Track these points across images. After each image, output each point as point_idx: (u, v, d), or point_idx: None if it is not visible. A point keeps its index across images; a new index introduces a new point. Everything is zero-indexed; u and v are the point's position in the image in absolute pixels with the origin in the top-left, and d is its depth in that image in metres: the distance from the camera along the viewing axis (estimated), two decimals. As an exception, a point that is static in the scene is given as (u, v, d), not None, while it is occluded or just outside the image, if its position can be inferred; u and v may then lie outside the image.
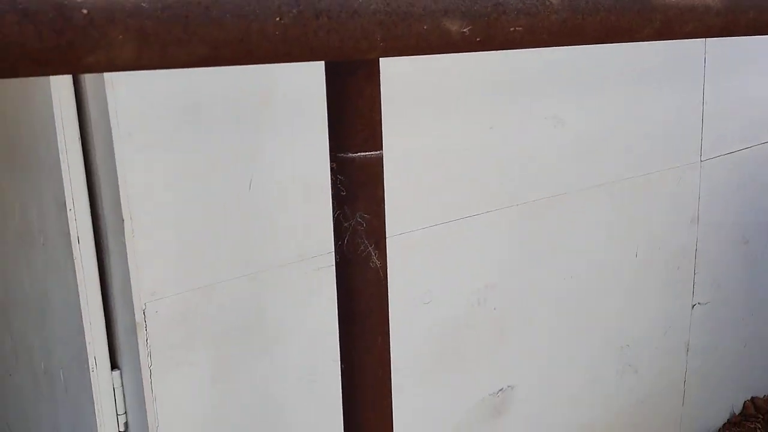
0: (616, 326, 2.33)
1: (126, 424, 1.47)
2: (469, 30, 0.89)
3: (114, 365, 1.45)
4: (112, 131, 1.26)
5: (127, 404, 1.46)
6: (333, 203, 1.03)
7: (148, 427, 1.38)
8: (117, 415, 1.46)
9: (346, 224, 1.04)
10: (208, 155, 1.39)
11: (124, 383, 1.45)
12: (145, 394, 1.37)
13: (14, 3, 0.62)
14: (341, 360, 1.11)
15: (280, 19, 0.75)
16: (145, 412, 1.38)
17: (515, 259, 2.01)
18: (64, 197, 1.34)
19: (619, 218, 2.22)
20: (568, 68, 1.97)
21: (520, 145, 1.93)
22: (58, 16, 0.62)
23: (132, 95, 1.27)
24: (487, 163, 1.88)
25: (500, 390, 2.07)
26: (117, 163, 1.27)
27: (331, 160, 1.01)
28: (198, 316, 1.41)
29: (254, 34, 0.73)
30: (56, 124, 1.31)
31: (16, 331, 1.96)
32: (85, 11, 0.64)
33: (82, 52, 0.65)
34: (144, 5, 0.68)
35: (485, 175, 1.89)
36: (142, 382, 1.37)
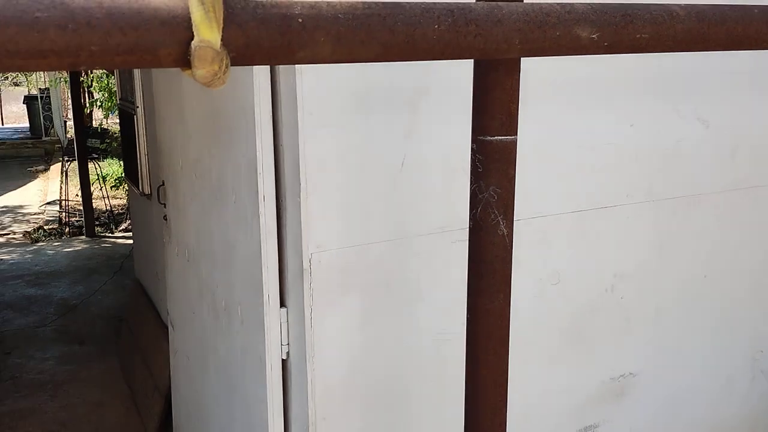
0: (749, 332, 2.33)
1: (288, 353, 1.77)
2: (597, 36, 1.06)
3: (282, 304, 1.76)
4: (298, 111, 1.55)
5: (290, 336, 1.76)
6: (471, 177, 1.24)
7: (305, 357, 1.67)
8: (281, 345, 1.77)
9: (480, 196, 1.24)
10: (371, 134, 1.64)
11: (289, 319, 1.76)
12: (306, 329, 1.66)
13: (255, 13, 0.89)
14: (468, 311, 1.31)
15: (438, 26, 0.96)
16: (304, 343, 1.67)
17: (648, 253, 2.10)
18: (256, 163, 1.66)
19: (759, 222, 2.22)
20: (715, 70, 2.02)
21: (660, 143, 2.02)
22: (283, 23, 0.88)
23: (315, 82, 1.55)
24: (626, 159, 1.99)
25: (622, 375, 2.17)
26: (299, 137, 1.56)
27: (473, 141, 1.22)
28: (352, 270, 1.68)
29: (418, 37, 0.95)
30: (255, 104, 1.63)
31: (203, 275, 2.35)
32: (300, 20, 0.89)
33: (296, 48, 0.90)
34: (340, 16, 0.92)
35: (624, 170, 2.00)
36: (303, 319, 1.66)
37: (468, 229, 1.30)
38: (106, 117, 11.30)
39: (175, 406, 2.99)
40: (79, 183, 8.65)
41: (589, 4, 1.08)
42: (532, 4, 1.01)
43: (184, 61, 0.79)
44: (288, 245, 1.71)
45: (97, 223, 7.48)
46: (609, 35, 1.09)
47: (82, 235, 7.31)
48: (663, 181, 2.05)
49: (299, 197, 1.60)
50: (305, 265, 1.63)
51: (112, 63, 0.79)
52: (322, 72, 1.55)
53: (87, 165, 7.28)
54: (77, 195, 8.60)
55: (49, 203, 9.67)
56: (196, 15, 0.78)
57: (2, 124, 19.91)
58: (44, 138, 16.06)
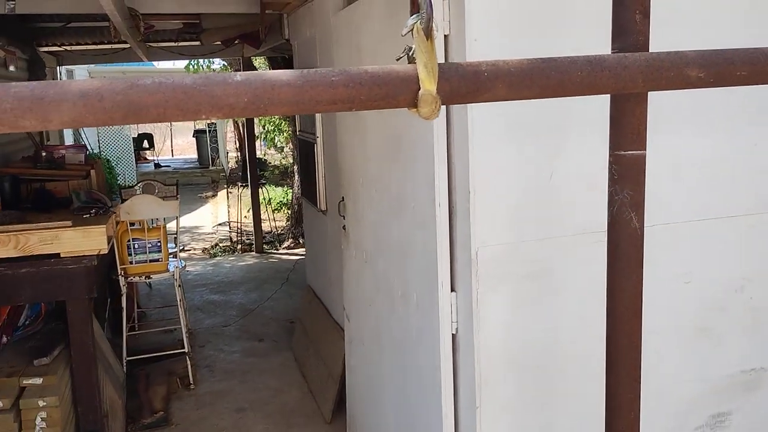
0: None
1: (456, 329, 2.21)
2: (704, 74, 1.42)
3: (452, 289, 2.20)
4: (468, 135, 2.00)
5: (459, 315, 2.20)
6: (609, 183, 1.62)
7: (473, 331, 2.10)
8: (452, 322, 2.21)
9: (616, 197, 1.62)
10: (525, 153, 2.06)
11: (458, 301, 2.20)
12: (473, 309, 2.08)
13: (456, 71, 1.34)
14: (607, 290, 1.68)
15: (580, 72, 1.37)
16: (471, 320, 2.10)
17: (776, 258, 2.33)
18: (434, 177, 2.13)
19: None
20: (840, 93, 2.24)
21: (786, 158, 2.26)
22: (474, 76, 1.33)
23: (481, 112, 1.99)
24: (751, 175, 2.25)
25: (753, 369, 2.39)
26: (470, 156, 2.00)
27: (610, 155, 1.60)
28: (506, 262, 2.09)
29: (566, 81, 1.37)
30: (434, 131, 2.10)
31: (380, 271, 2.85)
32: (486, 73, 1.34)
33: (483, 92, 1.35)
34: (512, 69, 1.36)
35: (748, 184, 2.26)
36: (470, 301, 2.09)
37: (606, 225, 1.68)
38: (269, 147, 12.42)
39: (350, 388, 3.52)
40: (241, 207, 9.74)
41: (698, 51, 1.45)
42: (652, 53, 1.40)
43: (413, 103, 1.27)
44: (458, 242, 2.15)
45: (263, 241, 8.37)
46: (713, 74, 1.45)
47: (252, 251, 8.23)
48: (790, 192, 2.29)
49: (468, 202, 2.04)
50: (472, 257, 2.06)
51: (370, 106, 1.29)
52: (487, 104, 1.99)
53: (258, 191, 8.20)
54: (246, 216, 9.63)
55: (219, 224, 10.86)
56: (422, 74, 1.25)
57: (172, 156, 22.27)
58: (210, 167, 17.83)
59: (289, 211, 9.11)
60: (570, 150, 2.10)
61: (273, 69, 8.39)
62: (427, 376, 2.39)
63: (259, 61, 8.78)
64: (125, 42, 6.94)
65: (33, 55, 5.67)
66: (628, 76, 1.41)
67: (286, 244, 8.40)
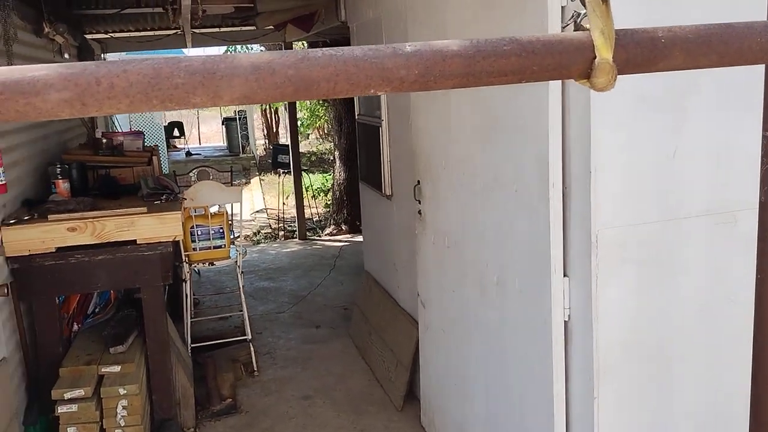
0: None
1: (569, 316, 2.13)
2: None
3: (564, 274, 2.11)
4: (591, 111, 1.90)
5: (571, 302, 2.11)
6: (762, 160, 1.52)
7: (591, 317, 2.01)
8: (564, 308, 2.12)
9: (773, 176, 1.52)
10: (648, 130, 1.96)
11: (570, 287, 2.11)
12: (592, 294, 2.00)
13: (632, 37, 1.25)
14: (756, 271, 1.58)
15: (759, 39, 1.27)
16: (590, 307, 2.01)
17: None
18: (548, 157, 2.04)
19: None
20: None
21: None
22: (651, 44, 1.23)
23: (605, 88, 1.89)
24: None
25: None
26: (591, 132, 1.91)
27: (764, 130, 1.50)
28: (629, 245, 2.00)
29: (745, 48, 1.27)
30: (549, 109, 2.01)
31: (468, 257, 2.77)
32: (663, 40, 1.24)
33: (658, 60, 1.25)
34: (689, 36, 1.26)
35: None
36: (589, 286, 2.00)
37: (758, 205, 1.57)
38: (307, 136, 12.38)
39: (425, 376, 3.45)
40: (280, 194, 9.70)
41: None
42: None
43: (585, 74, 1.17)
44: (572, 224, 2.06)
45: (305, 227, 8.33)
46: None
47: (295, 238, 8.19)
48: None
49: (588, 183, 1.95)
50: (592, 239, 1.97)
51: (541, 77, 1.20)
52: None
53: (301, 178, 8.15)
54: (285, 203, 9.61)
55: (257, 211, 10.86)
56: (598, 41, 1.16)
57: (200, 144, 22.32)
58: (241, 155, 17.85)
59: (330, 197, 9.05)
60: (694, 127, 1.99)
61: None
62: (531, 365, 2.31)
63: (297, 46, 8.69)
64: (167, 29, 6.91)
65: (83, 42, 5.64)
66: (814, 41, 1.30)
67: (328, 230, 8.35)
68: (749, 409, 1.66)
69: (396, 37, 3.60)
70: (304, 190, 9.61)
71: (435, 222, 3.12)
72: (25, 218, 3.13)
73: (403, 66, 1.06)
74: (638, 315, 2.05)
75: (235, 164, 17.30)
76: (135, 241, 3.20)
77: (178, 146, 19.46)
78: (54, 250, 3.11)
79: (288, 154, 14.08)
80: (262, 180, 14.66)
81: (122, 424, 3.04)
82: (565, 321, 2.15)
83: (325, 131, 17.03)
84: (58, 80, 0.86)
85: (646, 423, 2.12)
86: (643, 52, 1.26)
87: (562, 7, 1.98)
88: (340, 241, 7.85)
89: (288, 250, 7.63)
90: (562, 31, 1.95)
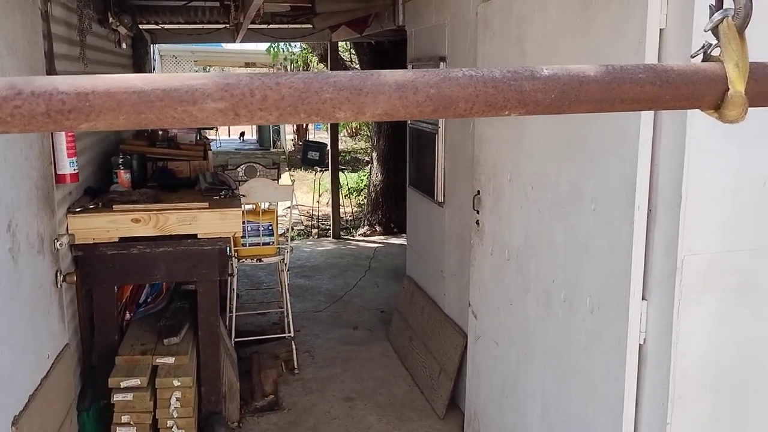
0: None
1: (644, 339, 2.11)
2: None
3: (643, 297, 2.10)
4: (686, 137, 1.88)
5: (648, 325, 2.10)
6: None
7: (670, 342, 1.99)
8: (640, 332, 2.11)
9: None
10: (741, 158, 1.94)
11: (648, 311, 2.10)
12: (673, 319, 1.98)
13: (765, 71, 1.24)
14: None
15: None
16: (669, 332, 2.00)
17: None
18: (636, 179, 2.02)
19: None
20: None
21: None
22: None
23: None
24: None
25: None
26: (685, 158, 1.89)
27: None
28: (714, 272, 1.98)
29: None
30: (640, 130, 1.99)
31: (531, 271, 2.76)
32: None
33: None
34: None
35: None
36: (669, 311, 1.99)
37: None
38: (341, 134, 12.43)
39: (471, 386, 3.45)
40: (315, 191, 9.75)
41: None
42: None
43: (716, 105, 1.16)
44: (656, 248, 2.05)
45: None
46: None
47: (328, 236, 8.22)
48: None
49: (679, 208, 1.94)
50: (678, 264, 1.96)
51: (672, 106, 1.19)
52: (708, 106, 1.87)
53: (338, 176, 8.18)
54: (318, 201, 9.64)
55: (288, 207, 10.90)
56: (732, 74, 1.14)
57: (229, 136, 22.47)
58: (272, 149, 17.94)
59: (365, 198, 9.07)
60: (788, 157, 1.97)
61: (359, 55, 8.33)
62: (598, 386, 2.30)
63: (342, 46, 8.72)
64: (216, 22, 6.96)
65: (137, 33, 5.71)
66: None
67: (362, 230, 8.37)
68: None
69: (461, 46, 3.60)
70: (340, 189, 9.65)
71: (495, 233, 3.11)
72: (90, 207, 3.17)
73: (540, 89, 1.05)
74: (718, 344, 2.03)
75: (265, 158, 17.44)
76: (195, 235, 3.24)
77: (209, 137, 19.62)
78: (117, 240, 3.15)
79: (317, 151, 14.15)
80: (292, 176, 14.73)
81: (174, 415, 3.08)
82: (640, 344, 2.13)
83: (355, 130, 17.06)
84: (215, 90, 0.87)
85: (719, 453, 2.10)
86: (777, 86, 1.24)
87: (661, 30, 1.96)
88: (374, 242, 7.86)
89: (322, 248, 7.66)
90: (675, 59, 1.93)
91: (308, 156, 14.36)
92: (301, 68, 15.85)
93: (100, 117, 0.83)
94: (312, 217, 9.34)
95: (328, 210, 9.04)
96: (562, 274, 2.52)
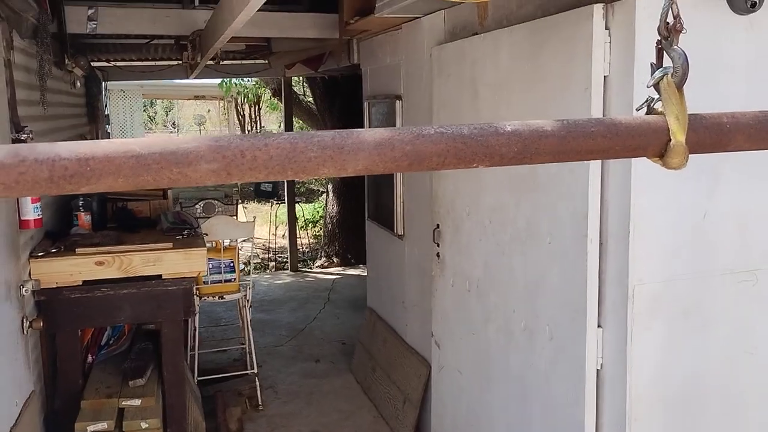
0: None
1: (601, 365, 2.24)
2: None
3: (598, 324, 2.23)
4: (632, 174, 2.04)
5: (604, 351, 2.23)
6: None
7: (625, 367, 2.13)
8: (597, 358, 2.24)
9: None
10: (681, 194, 2.10)
11: (603, 338, 2.23)
12: (627, 345, 2.12)
13: (701, 122, 1.39)
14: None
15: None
16: (624, 357, 2.13)
17: None
18: (587, 213, 2.17)
19: None
20: None
21: None
22: (718, 128, 1.38)
23: (645, 154, 2.04)
24: None
25: None
26: (631, 193, 2.05)
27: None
28: (661, 299, 2.13)
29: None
30: (589, 171, 2.14)
31: (491, 302, 2.88)
32: (728, 126, 1.38)
33: (725, 144, 1.39)
34: (750, 122, 1.41)
35: None
36: (623, 337, 2.13)
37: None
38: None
39: (436, 415, 3.53)
40: (270, 224, 9.77)
41: None
42: None
43: (660, 154, 1.30)
44: (608, 278, 2.19)
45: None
46: None
47: (285, 269, 8.23)
48: None
49: (628, 240, 2.08)
50: (629, 293, 2.10)
51: (621, 156, 1.33)
52: (650, 146, 2.04)
53: (294, 209, 8.23)
54: (274, 234, 9.66)
55: (243, 240, 10.86)
56: (674, 126, 1.29)
57: (179, 168, 22.24)
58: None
59: (322, 229, 9.13)
60: (723, 192, 2.15)
61: (312, 89, 8.45)
62: (558, 411, 2.42)
63: (295, 80, 8.84)
64: (168, 59, 6.99)
65: (90, 72, 5.70)
66: None
67: (319, 262, 8.41)
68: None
69: (416, 85, 3.74)
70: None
71: (455, 265, 3.23)
72: (53, 251, 3.16)
73: (504, 144, 1.18)
74: (668, 366, 2.18)
75: (217, 191, 17.33)
76: (160, 275, 3.25)
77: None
78: (81, 283, 3.14)
79: (270, 183, 14.14)
80: (245, 208, 14.66)
81: (143, 458, 3.06)
82: (597, 369, 2.26)
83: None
84: (208, 152, 0.96)
85: (673, 469, 2.24)
86: (712, 135, 1.40)
87: (605, 77, 2.13)
88: (332, 273, 7.91)
89: (280, 281, 7.67)
90: (603, 113, 2.10)
91: (261, 187, 14.34)
92: (253, 102, 15.89)
93: (100, 181, 0.90)
94: (268, 250, 9.34)
95: (284, 242, 9.06)
96: (521, 304, 2.65)
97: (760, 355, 2.25)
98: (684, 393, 2.21)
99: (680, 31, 1.35)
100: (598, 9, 2.08)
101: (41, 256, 3.08)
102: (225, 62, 6.48)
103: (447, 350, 3.37)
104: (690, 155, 1.82)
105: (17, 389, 2.54)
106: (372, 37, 4.44)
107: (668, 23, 1.35)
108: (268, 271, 8.39)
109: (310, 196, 14.29)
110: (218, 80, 9.50)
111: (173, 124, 24.67)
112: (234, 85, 10.33)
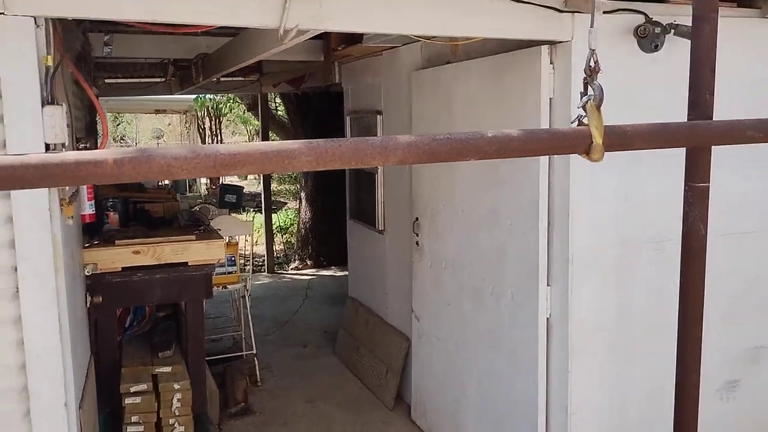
0: None
1: (550, 314, 2.98)
2: (759, 135, 2.25)
3: (548, 284, 2.97)
4: (570, 169, 2.78)
5: (552, 304, 2.96)
6: (684, 205, 2.42)
7: (567, 314, 2.86)
8: (547, 309, 2.97)
9: (689, 215, 2.42)
10: (609, 179, 2.86)
11: (551, 294, 2.96)
12: (568, 297, 2.85)
13: (611, 131, 2.13)
14: (680, 275, 2.47)
15: (683, 131, 2.18)
16: (566, 306, 2.87)
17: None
18: (539, 201, 2.90)
19: None
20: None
21: (780, 191, 3.13)
22: (623, 135, 2.12)
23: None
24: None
25: (756, 347, 3.23)
26: (570, 184, 2.79)
27: (685, 185, 2.40)
28: (594, 261, 2.88)
29: (677, 137, 2.17)
30: (540, 171, 2.88)
31: (464, 276, 3.60)
32: (630, 133, 2.13)
33: (628, 145, 2.14)
34: (644, 130, 2.16)
35: (761, 210, 3.12)
36: (566, 293, 2.86)
37: (681, 235, 2.47)
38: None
39: (417, 377, 4.21)
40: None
41: (754, 119, 2.25)
42: (723, 121, 2.20)
43: (586, 151, 2.04)
44: (554, 248, 2.93)
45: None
46: (764, 132, 2.27)
47: (262, 272, 8.82)
48: (783, 215, 3.16)
49: (568, 219, 2.83)
50: (569, 258, 2.84)
51: (562, 153, 2.07)
52: (583, 149, 2.79)
53: (271, 216, 8.83)
54: (247, 240, 10.19)
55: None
56: (594, 133, 2.03)
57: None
58: (188, 194, 18.23)
59: (296, 234, 9.73)
60: (641, 180, 2.91)
61: (285, 104, 9.09)
62: (523, 352, 3.14)
63: (269, 96, 9.46)
64: (153, 76, 7.55)
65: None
66: (712, 134, 2.23)
67: (293, 265, 9.02)
68: (675, 381, 2.52)
69: (395, 102, 4.45)
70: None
71: (432, 250, 3.94)
72: (95, 242, 3.75)
73: (487, 144, 1.91)
74: (601, 313, 2.93)
75: (182, 202, 17.71)
76: (186, 263, 3.87)
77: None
78: (120, 269, 3.74)
79: (235, 194, 14.63)
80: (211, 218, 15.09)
81: (177, 413, 3.66)
82: (547, 318, 3.00)
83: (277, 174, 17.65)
84: (306, 150, 1.66)
85: (608, 390, 2.98)
86: (619, 139, 2.17)
87: (550, 99, 2.88)
88: (306, 275, 8.54)
89: (259, 282, 8.26)
90: (549, 126, 2.85)
91: (225, 199, 14.80)
92: (213, 115, 16.38)
93: (243, 168, 1.59)
94: (244, 256, 9.87)
95: (257, 248, 9.63)
96: (488, 274, 3.37)
97: (670, 306, 3.01)
98: (612, 332, 2.96)
99: (598, 72, 2.14)
100: (545, 49, 2.83)
101: (87, 247, 3.67)
102: (223, 80, 7.09)
103: (425, 321, 4.07)
104: (607, 152, 2.60)
105: (86, 351, 3.13)
106: (354, 61, 5.14)
107: (590, 66, 2.12)
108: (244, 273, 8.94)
109: (277, 206, 14.85)
110: (194, 95, 10.05)
111: (122, 138, 24.42)
112: (208, 99, 10.88)
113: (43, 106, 2.16)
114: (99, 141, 8.80)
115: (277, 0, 2.26)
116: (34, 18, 2.13)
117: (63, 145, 2.23)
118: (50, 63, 2.19)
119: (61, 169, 1.51)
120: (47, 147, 2.19)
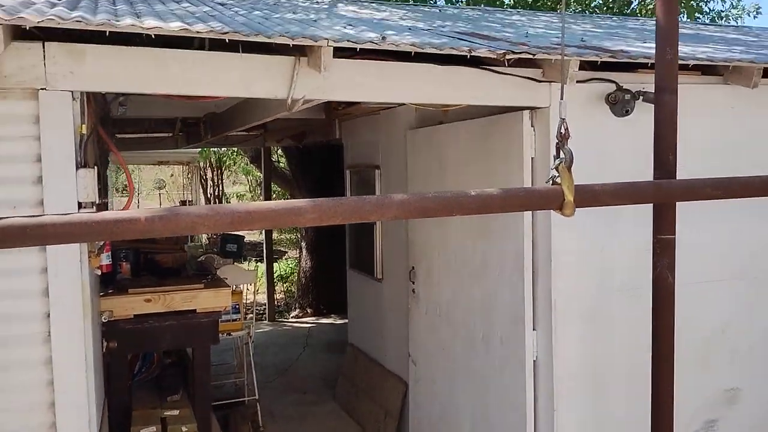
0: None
1: (536, 356, 3.19)
2: (718, 192, 2.51)
3: (533, 328, 3.19)
4: (551, 222, 3.04)
5: (537, 347, 3.18)
6: (653, 255, 2.67)
7: (552, 357, 3.08)
8: (534, 352, 3.19)
9: (658, 264, 2.67)
10: (587, 232, 3.12)
11: (537, 337, 3.19)
12: (552, 341, 3.07)
13: (582, 190, 2.40)
14: (653, 321, 2.70)
15: (650, 190, 2.45)
16: (550, 349, 3.08)
17: (742, 310, 3.42)
18: (523, 251, 3.16)
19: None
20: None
21: (747, 240, 3.39)
22: (593, 194, 2.39)
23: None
24: (735, 251, 3.36)
25: (731, 389, 3.44)
26: (552, 236, 3.05)
27: (654, 237, 2.66)
28: (574, 306, 3.11)
29: (644, 194, 2.44)
30: (524, 222, 3.14)
31: (458, 322, 3.82)
32: (599, 190, 2.40)
33: (597, 201, 2.40)
34: (611, 188, 2.43)
35: (733, 259, 3.37)
36: (550, 336, 3.08)
37: (651, 282, 2.71)
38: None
39: (414, 418, 4.39)
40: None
41: (712, 178, 2.51)
42: (685, 180, 2.47)
43: (559, 207, 2.30)
44: (538, 294, 3.17)
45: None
46: (722, 190, 2.53)
47: (263, 320, 9.00)
48: (752, 265, 3.41)
49: (550, 268, 3.07)
50: (552, 305, 3.07)
51: (538, 208, 2.34)
52: (563, 204, 3.05)
53: (272, 266, 9.06)
54: (248, 290, 10.39)
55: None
56: (566, 191, 2.30)
57: (140, 231, 22.68)
58: (189, 243, 18.47)
59: (296, 283, 9.94)
60: (617, 232, 3.17)
61: (288, 157, 9.42)
62: (512, 393, 3.34)
63: (272, 149, 9.79)
64: (160, 131, 7.88)
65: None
66: (675, 191, 2.49)
67: (294, 313, 9.21)
68: (650, 415, 2.73)
69: (392, 158, 4.74)
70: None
71: (427, 297, 4.17)
72: (110, 291, 3.98)
73: (471, 202, 2.18)
74: (583, 356, 3.14)
75: (184, 252, 17.94)
76: (194, 310, 4.09)
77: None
78: (132, 316, 3.96)
79: (235, 243, 14.84)
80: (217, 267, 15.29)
81: (184, 455, 3.83)
82: (534, 360, 3.21)
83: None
84: (311, 208, 1.92)
85: (591, 426, 3.17)
86: (589, 197, 2.44)
87: (532, 158, 3.16)
88: (307, 322, 8.72)
89: (260, 330, 8.43)
90: (531, 181, 3.12)
91: (226, 248, 14.98)
92: (215, 167, 16.77)
93: (257, 223, 1.86)
94: (246, 304, 10.06)
95: (258, 297, 9.83)
96: (479, 319, 3.59)
97: (647, 349, 3.23)
98: (596, 375, 3.18)
99: (568, 138, 2.42)
100: (526, 114, 3.13)
101: (103, 295, 3.90)
102: (228, 134, 7.43)
103: (421, 365, 4.27)
104: (579, 209, 2.85)
105: (101, 394, 3.33)
106: (353, 119, 5.46)
107: (561, 132, 2.40)
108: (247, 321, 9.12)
109: (276, 255, 15.08)
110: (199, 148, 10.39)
111: (124, 188, 24.75)
112: (212, 153, 11.22)
113: (77, 169, 2.43)
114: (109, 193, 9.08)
115: (286, 75, 2.56)
116: (71, 92, 2.42)
117: (93, 203, 2.49)
118: (84, 131, 2.47)
119: (101, 226, 1.78)
120: (79, 205, 2.45)
